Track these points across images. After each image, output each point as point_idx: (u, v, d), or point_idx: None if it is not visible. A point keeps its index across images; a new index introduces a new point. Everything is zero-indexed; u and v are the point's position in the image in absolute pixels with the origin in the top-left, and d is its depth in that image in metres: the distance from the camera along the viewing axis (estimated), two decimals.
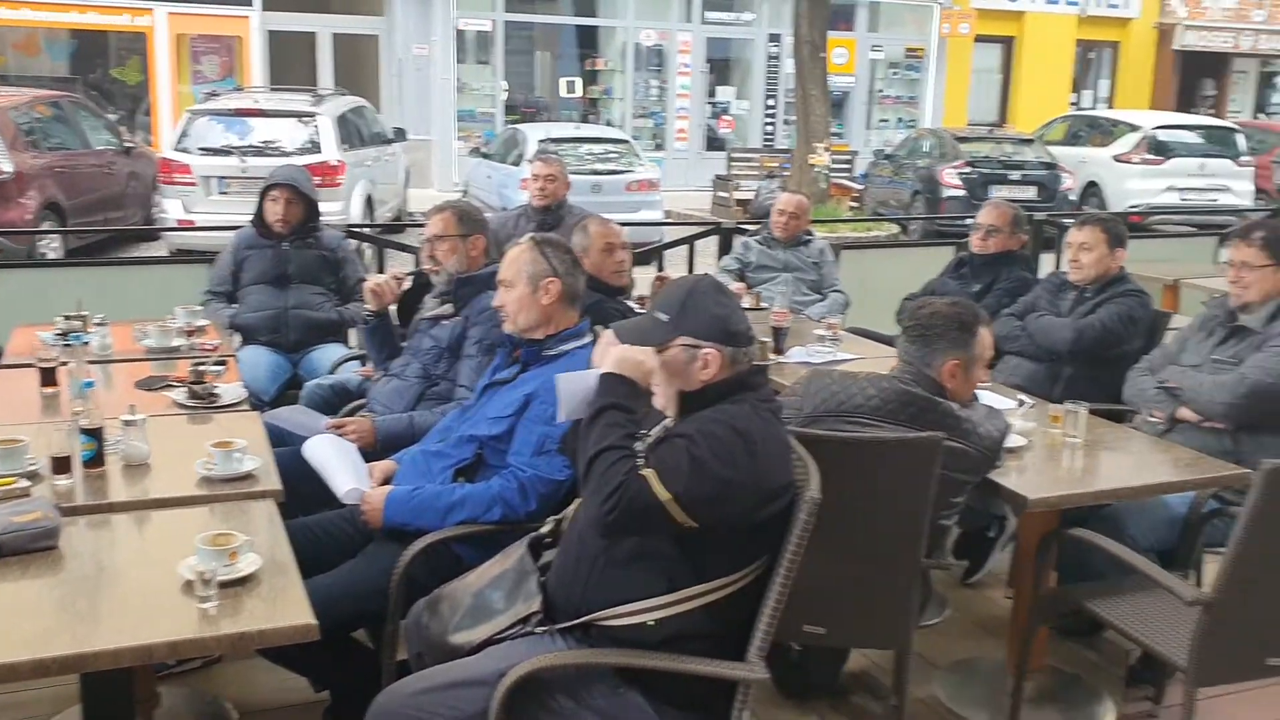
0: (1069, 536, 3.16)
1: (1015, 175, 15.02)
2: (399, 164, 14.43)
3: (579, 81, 19.79)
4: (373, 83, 18.88)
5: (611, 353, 2.49)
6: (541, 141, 13.34)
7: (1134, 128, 16.38)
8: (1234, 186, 15.64)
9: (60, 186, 11.05)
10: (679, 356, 2.50)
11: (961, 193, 14.71)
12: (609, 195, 12.79)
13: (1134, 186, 15.50)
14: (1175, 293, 6.91)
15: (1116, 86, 24.26)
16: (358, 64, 18.80)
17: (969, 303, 3.24)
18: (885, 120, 22.01)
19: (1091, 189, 16.10)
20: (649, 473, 2.28)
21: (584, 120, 19.00)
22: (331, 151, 11.58)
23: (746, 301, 5.60)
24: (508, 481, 2.97)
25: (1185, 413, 3.80)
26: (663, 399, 2.53)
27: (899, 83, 22.09)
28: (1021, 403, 3.62)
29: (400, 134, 14.56)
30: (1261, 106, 26.30)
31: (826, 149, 16.31)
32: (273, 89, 15.25)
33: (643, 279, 6.14)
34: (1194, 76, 25.01)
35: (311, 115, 11.76)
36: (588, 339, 3.21)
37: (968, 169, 15.00)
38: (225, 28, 17.46)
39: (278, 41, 17.99)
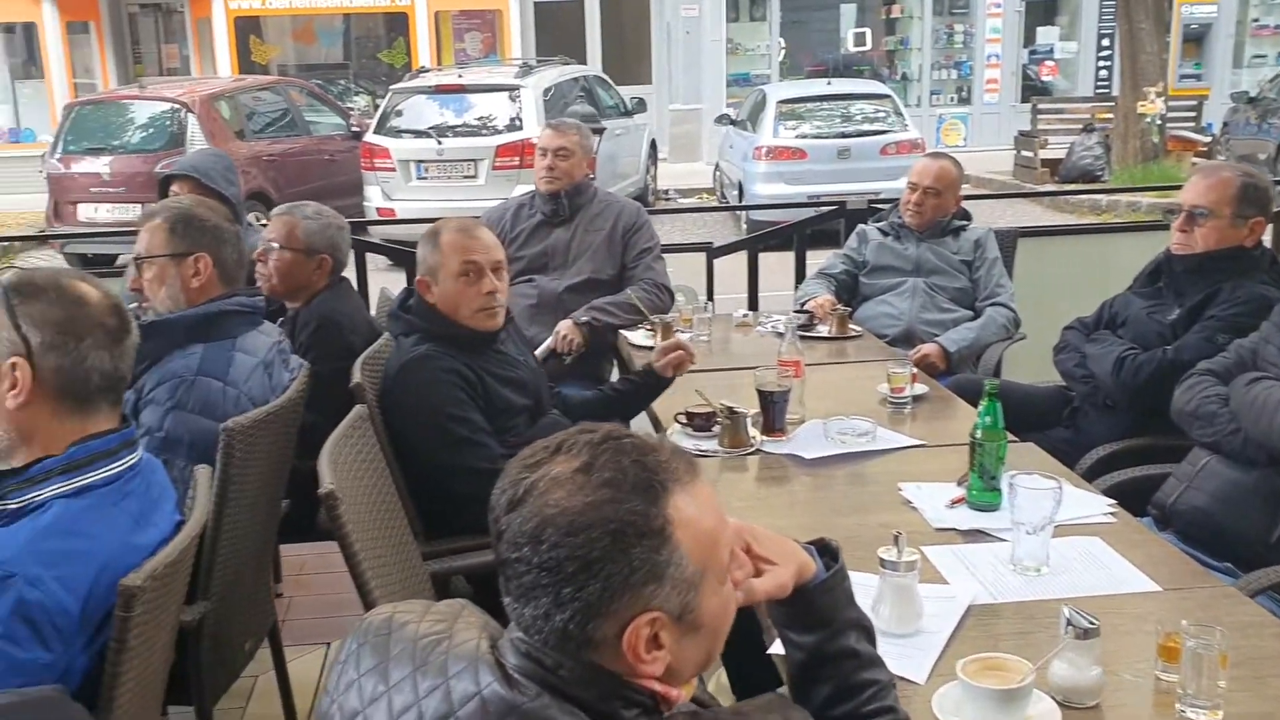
0: None
1: None
2: (640, 137, 13.07)
3: (869, 33, 17.54)
4: (644, 50, 17.64)
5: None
6: (783, 103, 11.53)
7: None
8: None
9: (269, 175, 10.59)
10: None
11: None
12: (860, 161, 10.81)
13: None
14: None
15: None
16: (628, 31, 17.61)
17: (667, 453, 1.24)
18: (1261, 56, 18.03)
19: None
20: None
21: (875, 76, 16.81)
22: (534, 128, 10.37)
23: (826, 328, 3.73)
24: None
25: None
26: None
27: None
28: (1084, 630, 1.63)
29: (640, 105, 13.19)
30: None
31: (1160, 94, 13.27)
32: (527, 61, 14.36)
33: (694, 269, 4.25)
34: None
35: (515, 89, 10.63)
36: (92, 476, 1.65)
37: None
38: (485, 2, 16.76)
39: (545, 13, 17.15)
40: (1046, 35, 17.93)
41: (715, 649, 1.25)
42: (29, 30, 16.68)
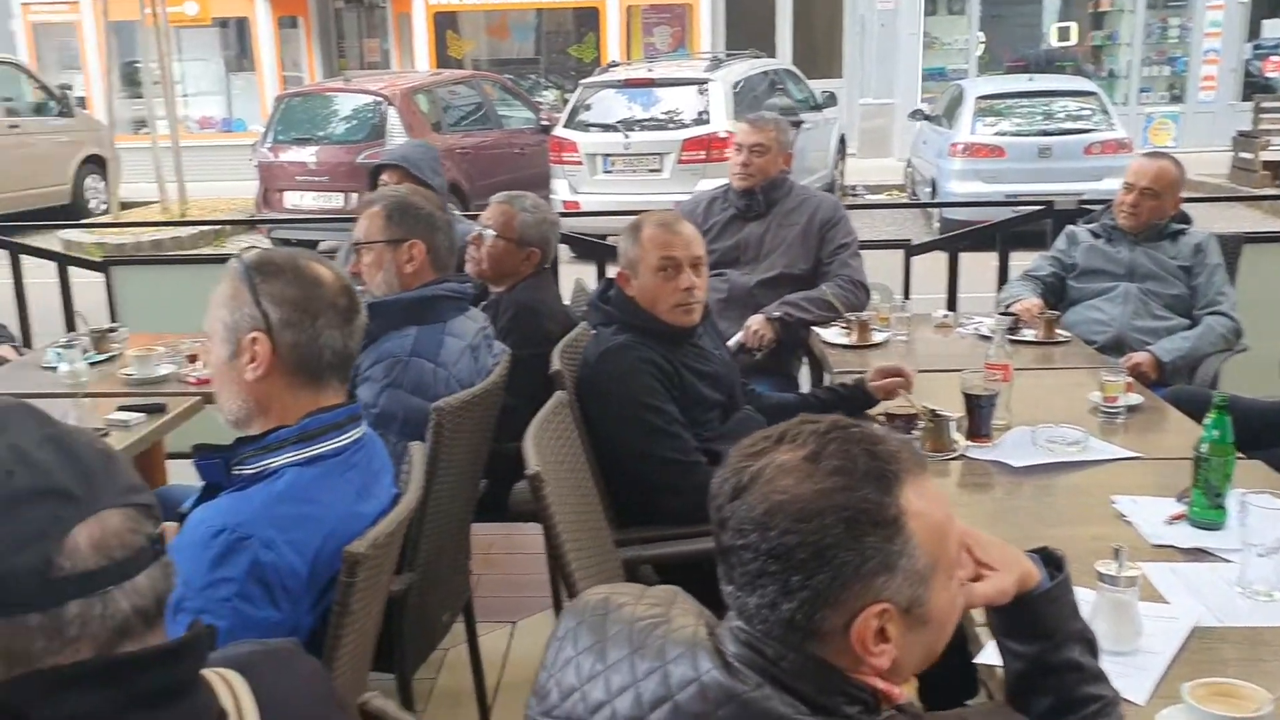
0: None
1: None
2: (829, 132, 12.90)
3: (1074, 27, 16.81)
4: (835, 43, 17.40)
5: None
6: (982, 98, 11.18)
7: None
8: None
9: (462, 167, 10.91)
10: None
11: None
12: (1062, 160, 10.39)
13: None
14: None
15: None
16: (820, 24, 17.40)
17: (896, 444, 1.23)
18: None
19: None
20: None
21: (1079, 72, 16.11)
22: (721, 122, 10.38)
23: (1032, 332, 3.59)
24: None
25: None
26: None
27: None
28: None
29: (830, 99, 13.02)
30: None
31: None
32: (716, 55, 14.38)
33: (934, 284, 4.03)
34: None
35: (704, 83, 10.64)
36: (323, 447, 1.72)
37: None
38: None
39: (736, 6, 17.13)
40: (1274, 28, 16.79)
41: (938, 646, 1.21)
42: (241, 25, 17.67)
